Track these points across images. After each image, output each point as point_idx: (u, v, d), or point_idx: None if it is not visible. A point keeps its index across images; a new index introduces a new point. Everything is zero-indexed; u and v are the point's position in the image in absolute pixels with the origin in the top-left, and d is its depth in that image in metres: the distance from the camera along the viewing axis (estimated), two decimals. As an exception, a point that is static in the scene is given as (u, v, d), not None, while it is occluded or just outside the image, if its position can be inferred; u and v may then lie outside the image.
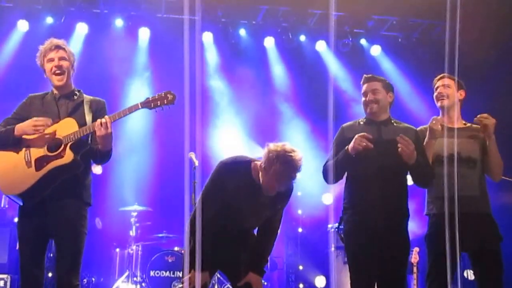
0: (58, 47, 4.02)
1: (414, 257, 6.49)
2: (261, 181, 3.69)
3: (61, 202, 3.78)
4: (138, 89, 8.63)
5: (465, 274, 6.68)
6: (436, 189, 4.29)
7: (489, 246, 4.18)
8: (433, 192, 4.32)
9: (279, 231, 4.09)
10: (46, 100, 4.02)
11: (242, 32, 8.86)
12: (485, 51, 7.77)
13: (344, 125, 4.31)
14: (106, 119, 3.72)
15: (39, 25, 8.28)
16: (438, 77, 4.50)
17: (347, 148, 3.99)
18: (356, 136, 3.94)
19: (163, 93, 3.80)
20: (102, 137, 3.73)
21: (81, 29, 8.39)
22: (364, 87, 4.25)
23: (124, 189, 8.21)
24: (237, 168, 3.80)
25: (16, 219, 7.27)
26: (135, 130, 8.18)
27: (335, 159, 4.12)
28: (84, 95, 4.07)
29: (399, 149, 3.91)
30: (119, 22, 8.47)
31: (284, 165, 3.58)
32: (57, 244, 3.83)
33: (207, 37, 8.85)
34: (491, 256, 4.18)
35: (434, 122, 4.18)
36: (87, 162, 3.93)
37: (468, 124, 4.45)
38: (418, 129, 4.41)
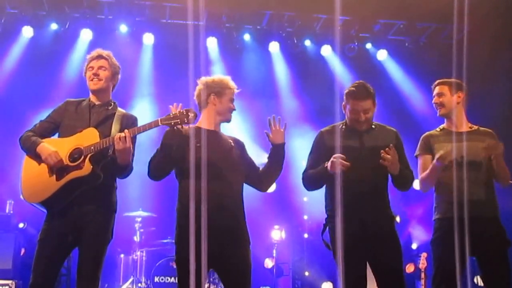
0: (100, 57, 4.04)
1: (422, 263, 6.45)
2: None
3: (88, 208, 3.78)
4: (143, 95, 8.63)
5: (475, 281, 6.61)
6: (441, 194, 4.27)
7: (495, 250, 4.15)
8: (439, 197, 4.30)
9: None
10: (80, 107, 4.04)
11: (247, 37, 8.84)
12: (495, 54, 7.71)
13: (324, 129, 4.21)
14: (125, 133, 3.70)
15: (43, 31, 8.31)
16: (433, 85, 4.50)
17: (326, 167, 3.88)
18: (332, 159, 3.82)
19: (184, 111, 3.67)
20: (120, 151, 3.72)
21: (86, 35, 8.41)
22: (356, 104, 4.05)
23: (128, 195, 8.17)
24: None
25: (21, 225, 7.40)
26: (139, 135, 8.14)
27: (314, 171, 4.05)
28: (118, 108, 4.08)
29: (385, 163, 3.84)
30: (123, 28, 8.48)
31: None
32: (81, 251, 3.81)
33: (212, 42, 8.82)
34: (498, 261, 4.14)
35: (441, 159, 4.12)
36: (108, 170, 3.89)
37: (475, 127, 4.41)
38: (424, 135, 4.36)
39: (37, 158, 3.87)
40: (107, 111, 4.02)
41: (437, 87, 4.46)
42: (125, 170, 3.91)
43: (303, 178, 4.17)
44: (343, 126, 4.16)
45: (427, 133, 4.46)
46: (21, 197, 3.93)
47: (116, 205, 4.01)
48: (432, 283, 4.23)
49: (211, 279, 7.02)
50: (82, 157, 3.74)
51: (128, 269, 7.68)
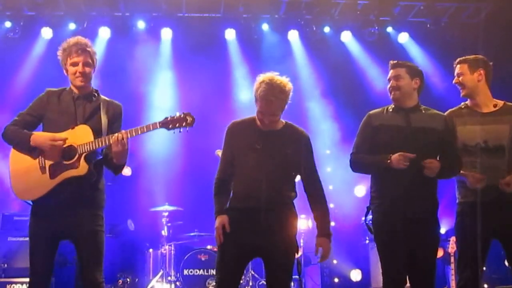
0: (84, 51, 3.91)
1: (452, 247, 6.35)
2: (256, 114, 3.85)
3: (75, 205, 3.74)
4: (162, 91, 8.65)
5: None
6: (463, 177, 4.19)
7: None
8: (461, 181, 4.22)
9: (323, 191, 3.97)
10: (63, 99, 3.93)
11: (265, 26, 8.76)
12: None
13: (371, 112, 4.22)
14: (123, 135, 3.65)
15: (62, 32, 8.30)
16: (454, 63, 4.40)
17: (390, 162, 3.88)
18: (398, 155, 3.84)
19: (182, 114, 3.72)
20: (118, 152, 3.68)
21: (104, 33, 8.44)
22: (389, 73, 4.18)
23: (154, 190, 8.22)
24: (243, 121, 3.97)
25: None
26: (163, 129, 8.18)
27: (370, 158, 4.05)
28: (101, 96, 4.01)
29: (425, 171, 3.85)
30: (141, 24, 8.49)
31: (267, 85, 3.79)
32: (75, 244, 3.82)
33: (230, 34, 8.78)
34: None
35: (472, 180, 4.09)
36: (100, 167, 3.89)
37: (500, 103, 4.28)
38: (446, 113, 4.28)
39: (28, 151, 3.79)
40: (92, 103, 3.93)
41: (457, 67, 4.35)
42: (119, 168, 3.89)
43: (352, 160, 4.19)
44: (391, 107, 4.18)
45: (450, 111, 4.34)
46: (13, 193, 3.84)
47: (104, 202, 3.93)
48: (457, 267, 4.18)
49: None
50: (77, 155, 3.71)
51: (157, 263, 7.74)
